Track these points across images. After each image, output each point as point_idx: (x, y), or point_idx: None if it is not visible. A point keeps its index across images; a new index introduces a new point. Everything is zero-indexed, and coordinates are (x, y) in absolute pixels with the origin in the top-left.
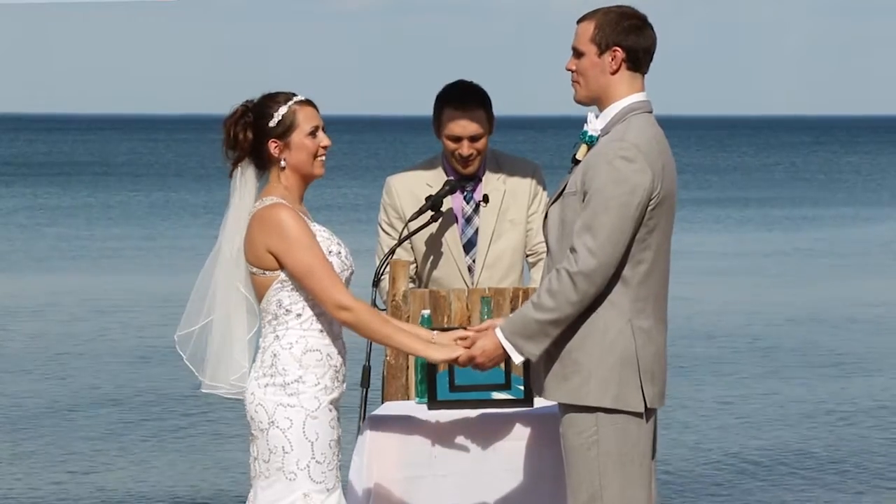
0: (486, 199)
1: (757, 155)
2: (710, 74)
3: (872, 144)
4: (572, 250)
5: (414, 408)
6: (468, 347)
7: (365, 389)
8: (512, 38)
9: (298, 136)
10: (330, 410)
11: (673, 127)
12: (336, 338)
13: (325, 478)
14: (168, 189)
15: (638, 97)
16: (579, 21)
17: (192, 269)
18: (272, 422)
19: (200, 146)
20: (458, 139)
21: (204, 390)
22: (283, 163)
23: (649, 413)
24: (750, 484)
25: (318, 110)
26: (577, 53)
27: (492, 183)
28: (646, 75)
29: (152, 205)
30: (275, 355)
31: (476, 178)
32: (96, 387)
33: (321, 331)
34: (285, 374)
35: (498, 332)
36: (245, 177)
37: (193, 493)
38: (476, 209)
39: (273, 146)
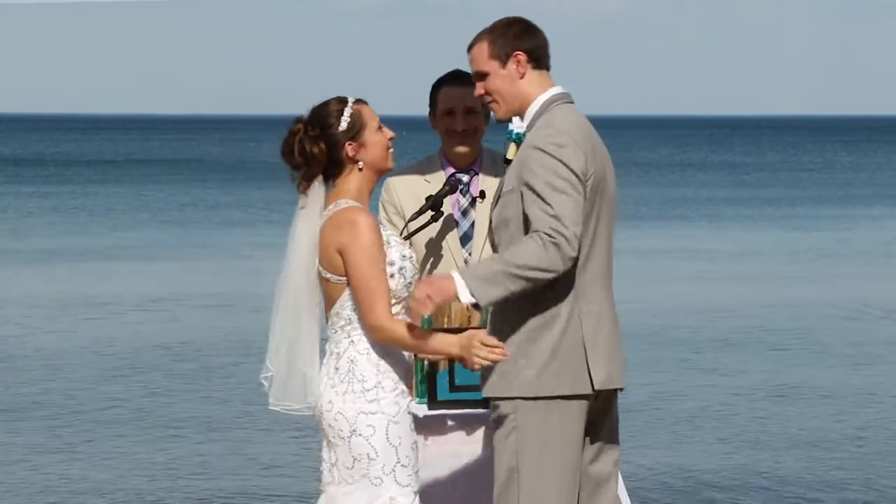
0: (482, 194)
1: (767, 154)
2: (711, 74)
3: (881, 144)
4: (535, 231)
5: (414, 408)
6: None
7: None
8: None
9: (370, 133)
10: (408, 413)
11: (675, 127)
12: None
13: (410, 480)
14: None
15: (555, 90)
16: (469, 49)
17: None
18: (354, 430)
19: (208, 145)
20: (452, 112)
21: (272, 408)
22: (360, 164)
23: (597, 395)
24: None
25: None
26: (481, 76)
27: (489, 179)
28: (550, 70)
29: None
30: (352, 361)
31: (473, 172)
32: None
33: None
34: (364, 381)
35: (454, 271)
36: (317, 190)
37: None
38: (472, 203)
39: (349, 148)
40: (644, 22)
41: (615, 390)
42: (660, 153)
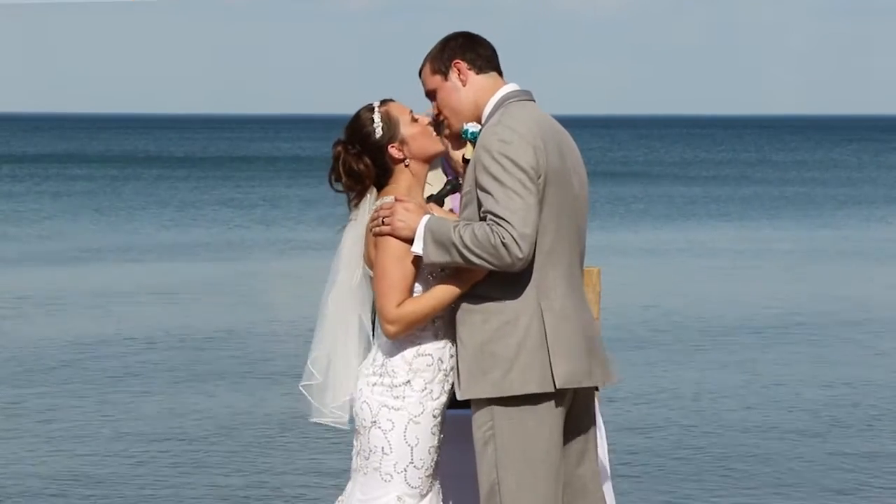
0: None
1: (768, 152)
2: (711, 74)
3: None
4: (491, 227)
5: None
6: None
7: None
8: (515, 38)
9: (406, 128)
10: (434, 416)
11: (674, 126)
12: (443, 337)
13: (420, 483)
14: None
15: (508, 88)
16: (419, 74)
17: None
18: (374, 421)
19: (216, 144)
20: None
21: (312, 420)
22: (407, 161)
23: (574, 396)
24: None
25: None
26: (432, 95)
27: None
28: (502, 74)
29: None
30: (387, 355)
31: None
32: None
33: (434, 334)
34: (394, 376)
35: (426, 218)
36: (367, 201)
37: None
38: None
39: (394, 150)
40: (644, 22)
41: (593, 389)
42: (660, 153)
